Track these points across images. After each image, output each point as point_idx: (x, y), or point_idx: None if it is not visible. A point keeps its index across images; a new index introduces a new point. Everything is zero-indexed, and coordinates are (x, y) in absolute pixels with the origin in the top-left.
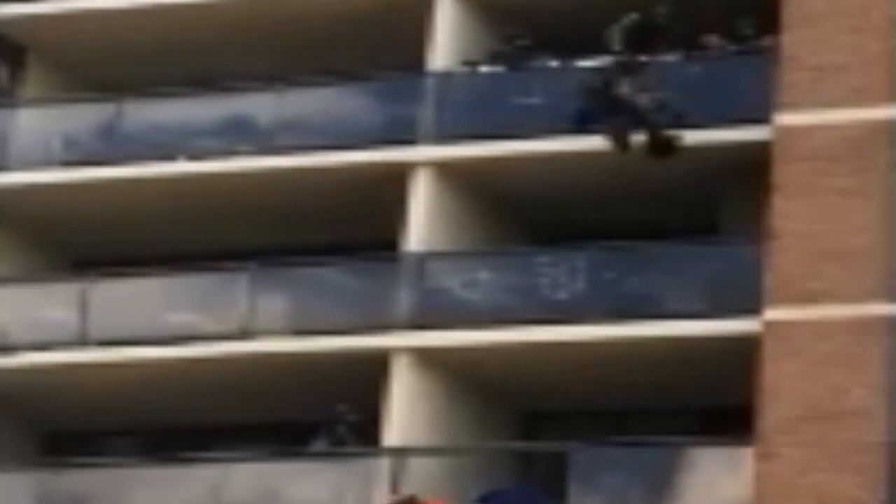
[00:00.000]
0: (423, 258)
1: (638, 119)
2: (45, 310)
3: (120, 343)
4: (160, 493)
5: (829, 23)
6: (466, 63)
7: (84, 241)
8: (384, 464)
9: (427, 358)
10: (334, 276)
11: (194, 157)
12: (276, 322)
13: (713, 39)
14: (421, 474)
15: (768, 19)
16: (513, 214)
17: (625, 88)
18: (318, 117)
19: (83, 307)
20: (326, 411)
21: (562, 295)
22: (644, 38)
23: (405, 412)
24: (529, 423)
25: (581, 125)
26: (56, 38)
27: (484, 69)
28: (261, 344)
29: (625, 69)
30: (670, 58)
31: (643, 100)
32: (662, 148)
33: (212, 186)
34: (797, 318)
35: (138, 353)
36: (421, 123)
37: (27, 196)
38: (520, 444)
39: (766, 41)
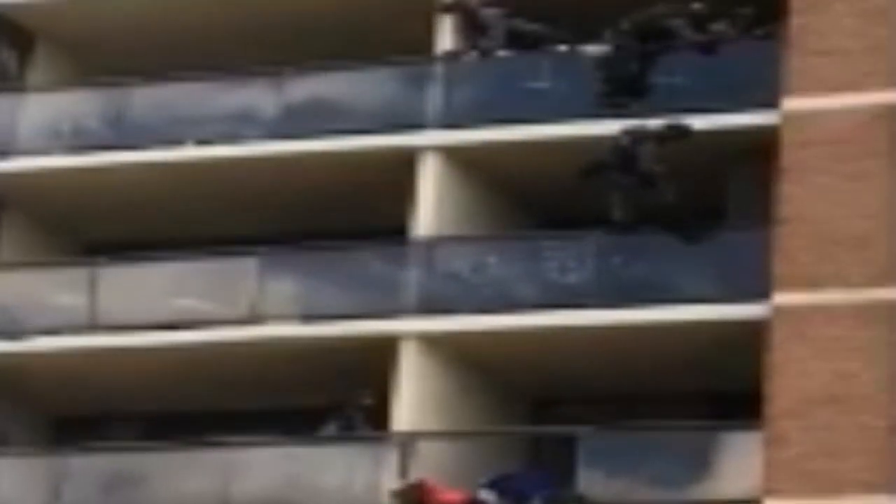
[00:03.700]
0: (431, 243)
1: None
2: (54, 295)
3: (129, 328)
4: (170, 478)
5: (835, 7)
6: (475, 47)
7: (93, 227)
8: (393, 449)
9: (435, 343)
10: (343, 261)
11: (203, 142)
12: (284, 307)
13: (720, 26)
14: (429, 459)
15: (772, 5)
16: (521, 199)
17: (647, 156)
18: (326, 103)
19: (92, 292)
20: (334, 396)
21: (570, 280)
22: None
23: (413, 397)
24: (537, 407)
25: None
26: (64, 24)
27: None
28: (269, 329)
29: (656, 137)
30: (679, 43)
31: (658, 169)
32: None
33: (220, 172)
34: (805, 302)
35: (147, 338)
36: (429, 108)
37: (36, 181)
38: (529, 429)
39: (769, 27)
